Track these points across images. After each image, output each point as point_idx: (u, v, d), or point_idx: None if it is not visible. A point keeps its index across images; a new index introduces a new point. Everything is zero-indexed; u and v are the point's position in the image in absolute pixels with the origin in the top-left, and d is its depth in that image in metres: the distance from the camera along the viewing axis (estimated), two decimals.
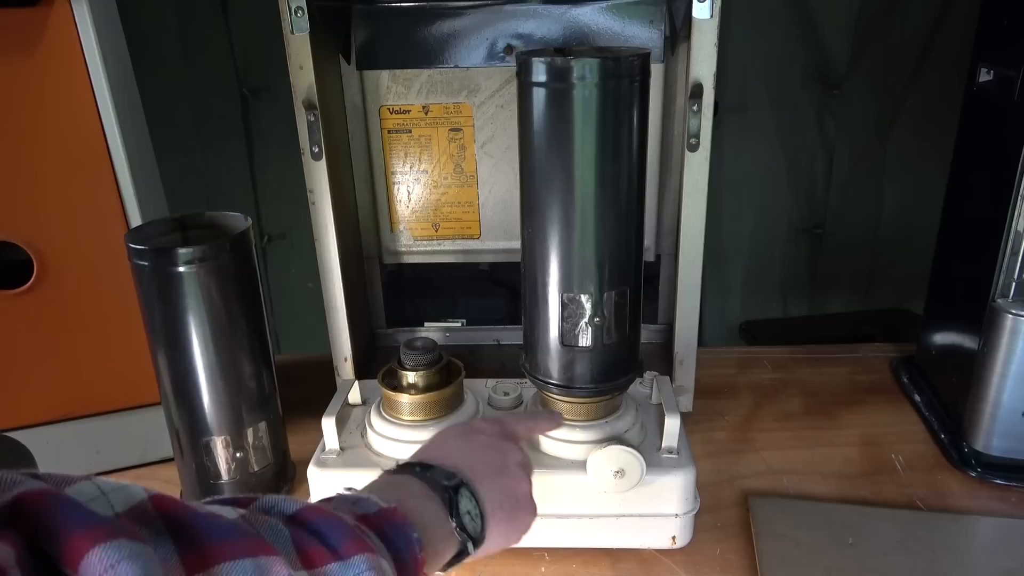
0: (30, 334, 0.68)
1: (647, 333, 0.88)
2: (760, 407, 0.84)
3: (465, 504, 0.45)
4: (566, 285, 0.56)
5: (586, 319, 0.57)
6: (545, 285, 0.57)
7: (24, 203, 0.64)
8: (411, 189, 0.83)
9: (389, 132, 0.81)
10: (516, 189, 0.59)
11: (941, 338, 0.81)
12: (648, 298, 0.87)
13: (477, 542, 0.46)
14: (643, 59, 0.52)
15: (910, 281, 1.42)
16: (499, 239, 0.84)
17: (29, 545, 0.25)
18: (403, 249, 0.86)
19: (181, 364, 0.61)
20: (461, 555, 0.45)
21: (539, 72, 0.51)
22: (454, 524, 0.44)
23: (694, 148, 0.69)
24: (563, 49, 0.58)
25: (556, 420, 0.60)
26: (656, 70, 0.74)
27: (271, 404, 0.67)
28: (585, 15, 0.73)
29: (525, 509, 0.51)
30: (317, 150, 0.70)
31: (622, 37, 0.74)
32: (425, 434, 0.61)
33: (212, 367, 0.62)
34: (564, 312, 0.57)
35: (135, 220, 0.67)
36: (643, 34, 0.73)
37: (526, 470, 0.52)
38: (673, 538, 0.61)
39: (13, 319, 0.67)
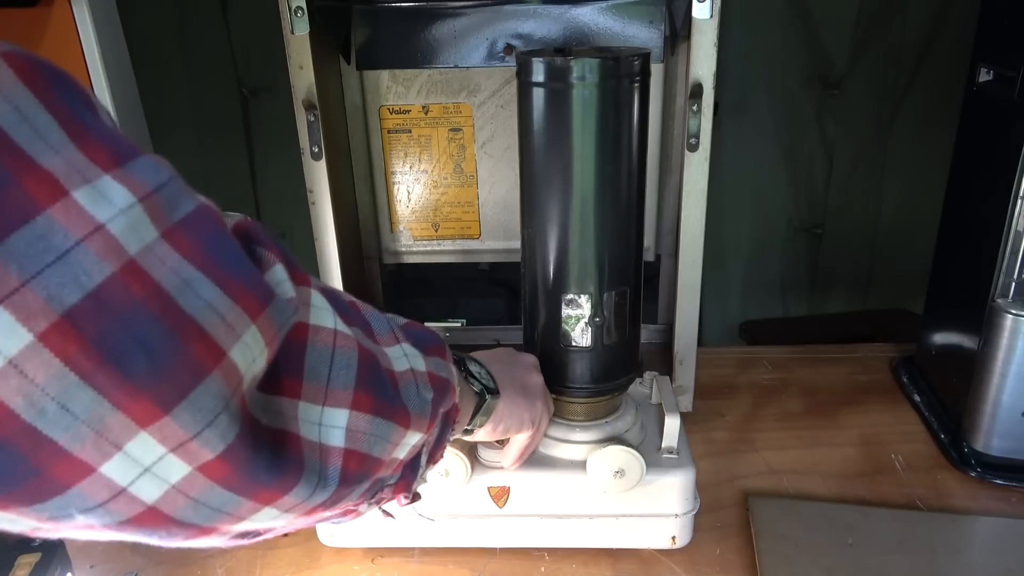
0: None
1: (647, 333, 0.88)
2: (760, 407, 0.84)
3: (473, 367, 0.50)
4: (566, 285, 0.56)
5: (586, 319, 0.57)
6: (545, 285, 0.57)
7: None
8: (411, 189, 0.83)
9: (389, 132, 0.81)
10: (516, 189, 0.59)
11: (941, 338, 0.81)
12: (648, 298, 0.87)
13: (492, 392, 0.50)
14: (643, 59, 0.52)
15: (910, 281, 1.42)
16: (499, 239, 0.84)
17: None
18: (403, 249, 0.86)
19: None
20: (481, 405, 0.50)
21: (539, 72, 0.51)
22: (461, 372, 0.47)
23: (694, 148, 0.69)
24: (563, 49, 0.58)
25: None
26: (656, 70, 0.74)
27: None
28: (585, 15, 0.73)
29: (538, 395, 0.55)
30: (317, 150, 0.70)
31: (622, 37, 0.74)
32: None
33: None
34: (564, 312, 0.57)
35: None
36: (643, 34, 0.73)
37: (539, 375, 0.57)
38: (673, 538, 0.61)
39: None
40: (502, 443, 0.59)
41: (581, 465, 0.59)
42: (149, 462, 0.25)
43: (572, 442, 0.61)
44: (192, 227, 0.25)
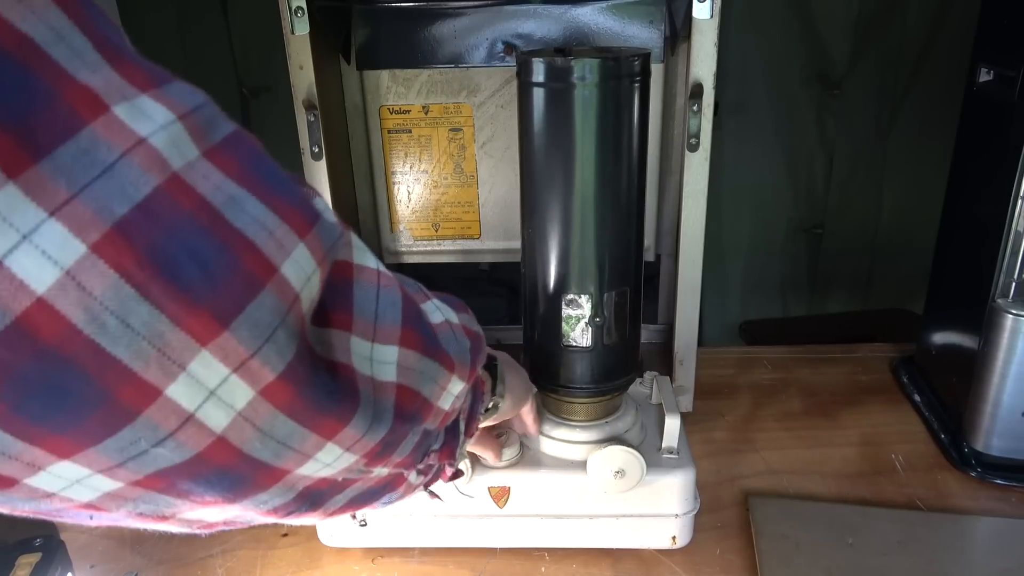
0: None
1: (647, 333, 0.88)
2: (760, 407, 0.84)
3: None
4: (566, 285, 0.56)
5: (586, 319, 0.57)
6: (545, 285, 0.57)
7: None
8: (411, 189, 0.83)
9: (389, 132, 0.81)
10: (516, 189, 0.59)
11: (941, 338, 0.81)
12: (648, 298, 0.87)
13: (500, 363, 0.52)
14: (643, 59, 0.52)
15: (910, 281, 1.42)
16: (499, 239, 0.84)
17: None
18: (403, 249, 0.86)
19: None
20: (495, 374, 0.51)
21: (539, 72, 0.51)
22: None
23: (694, 148, 0.69)
24: (563, 49, 0.58)
25: None
26: (656, 70, 0.74)
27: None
28: (585, 15, 0.73)
29: (516, 361, 0.57)
30: (317, 150, 0.70)
31: (622, 37, 0.74)
32: None
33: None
34: (564, 312, 0.57)
35: None
36: (643, 34, 0.73)
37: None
38: (673, 538, 0.62)
39: None
40: (500, 436, 0.60)
41: (581, 465, 0.59)
42: (214, 384, 0.24)
43: (572, 442, 0.61)
44: (232, 147, 0.25)
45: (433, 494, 0.48)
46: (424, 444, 0.39)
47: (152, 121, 0.23)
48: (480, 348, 0.43)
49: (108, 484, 0.25)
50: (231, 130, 0.26)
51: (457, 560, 0.63)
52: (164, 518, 0.29)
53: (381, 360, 0.32)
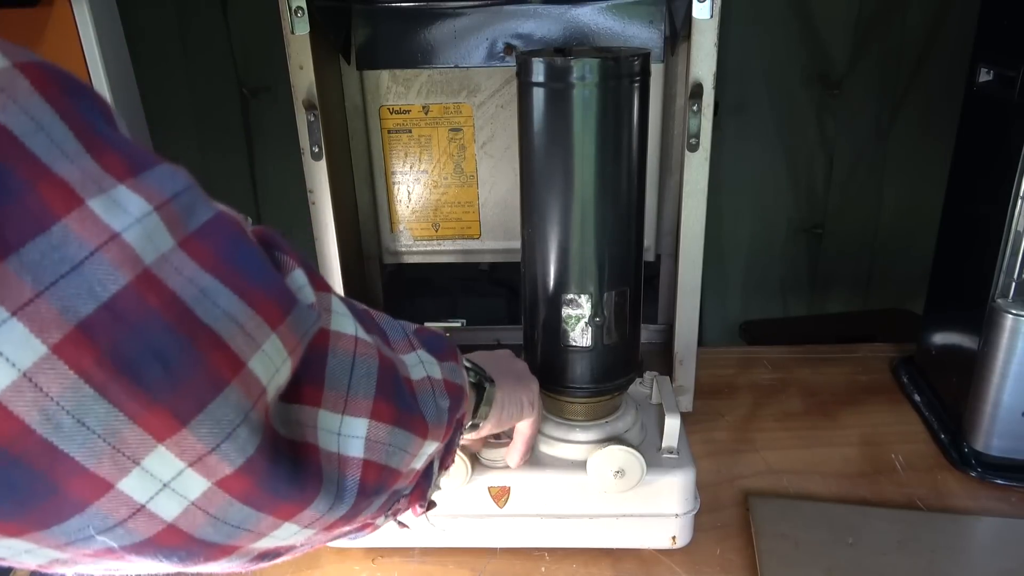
0: None
1: (647, 333, 0.88)
2: (760, 407, 0.84)
3: (465, 362, 0.49)
4: (566, 285, 0.56)
5: (586, 319, 0.57)
6: (545, 285, 0.57)
7: None
8: (411, 189, 0.83)
9: (389, 132, 0.81)
10: (516, 189, 0.59)
11: (941, 338, 0.81)
12: (648, 298, 0.87)
13: (489, 381, 0.50)
14: (643, 59, 0.52)
15: (910, 281, 1.42)
16: (499, 239, 0.84)
17: None
18: (403, 249, 0.86)
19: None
20: (482, 395, 0.50)
21: (539, 72, 0.51)
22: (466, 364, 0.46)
23: (694, 148, 0.69)
24: (563, 49, 0.58)
25: None
26: (656, 70, 0.74)
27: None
28: (585, 15, 0.73)
29: (529, 376, 0.56)
30: (317, 150, 0.70)
31: (622, 37, 0.74)
32: None
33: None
34: (564, 312, 0.57)
35: None
36: (643, 34, 0.73)
37: (522, 361, 0.58)
38: (673, 538, 0.61)
39: None
40: (502, 436, 0.60)
41: (581, 465, 0.59)
42: (167, 477, 0.24)
43: (572, 442, 0.61)
44: (209, 234, 0.25)
45: (402, 524, 0.47)
46: (393, 499, 0.38)
47: (127, 214, 0.23)
48: (459, 404, 0.42)
49: (57, 555, 0.25)
50: (210, 215, 0.26)
51: (457, 560, 0.63)
52: (120, 571, 0.29)
53: (349, 434, 0.32)
